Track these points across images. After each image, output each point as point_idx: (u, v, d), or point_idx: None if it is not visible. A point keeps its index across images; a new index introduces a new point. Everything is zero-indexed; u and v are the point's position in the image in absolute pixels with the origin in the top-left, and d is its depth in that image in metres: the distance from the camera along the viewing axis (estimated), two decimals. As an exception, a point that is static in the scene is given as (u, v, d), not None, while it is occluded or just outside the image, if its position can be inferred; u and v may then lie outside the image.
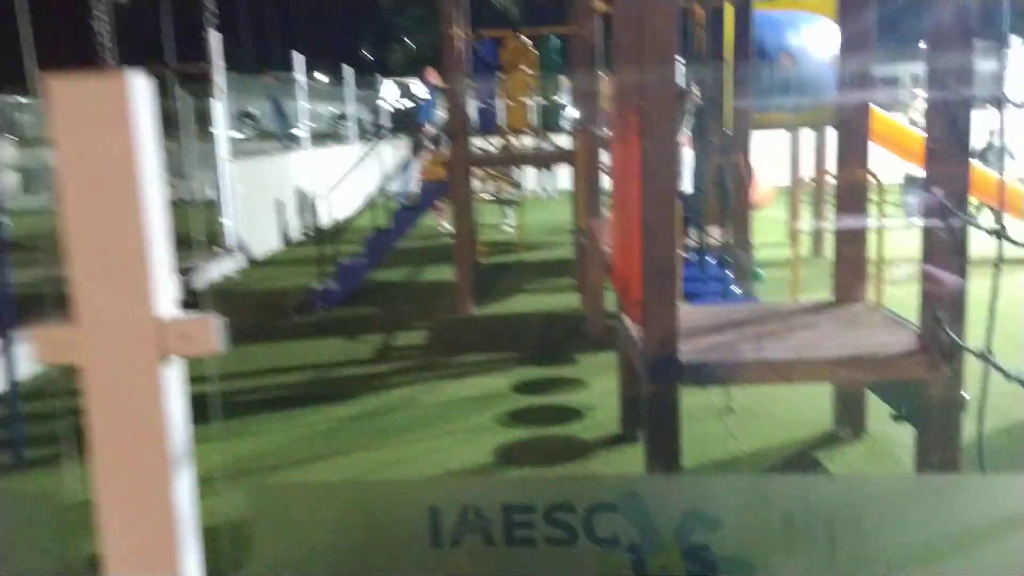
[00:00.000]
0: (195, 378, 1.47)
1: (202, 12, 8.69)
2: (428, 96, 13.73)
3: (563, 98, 8.80)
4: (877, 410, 4.83)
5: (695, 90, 6.31)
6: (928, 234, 3.56)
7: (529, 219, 12.47)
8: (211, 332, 1.33)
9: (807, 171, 10.84)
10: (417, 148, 11.84)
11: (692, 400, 4.75)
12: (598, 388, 5.69)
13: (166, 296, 1.33)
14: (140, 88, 1.26)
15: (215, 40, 10.05)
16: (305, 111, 15.19)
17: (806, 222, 10.93)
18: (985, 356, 3.16)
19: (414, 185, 13.34)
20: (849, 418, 4.79)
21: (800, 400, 5.12)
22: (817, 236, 10.26)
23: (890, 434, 4.67)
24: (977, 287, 3.54)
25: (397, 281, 9.78)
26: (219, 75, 10.17)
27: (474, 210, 9.34)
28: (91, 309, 1.30)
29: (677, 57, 3.77)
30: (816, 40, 8.22)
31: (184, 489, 1.34)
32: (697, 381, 3.74)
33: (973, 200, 9.27)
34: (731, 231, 6.58)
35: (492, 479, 4.25)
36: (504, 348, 6.85)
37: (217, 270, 10.14)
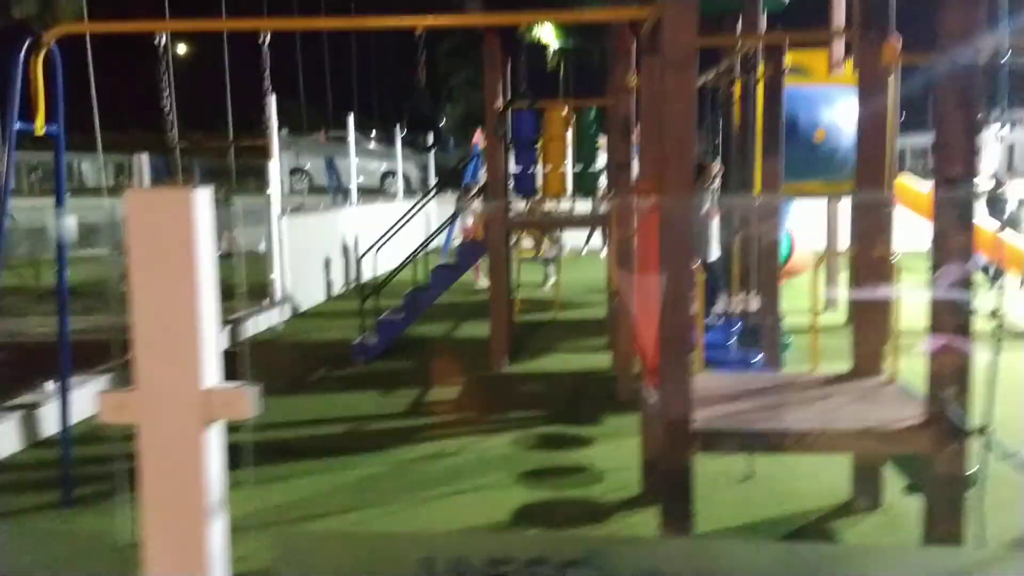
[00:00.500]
0: (235, 427, 1.71)
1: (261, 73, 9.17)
2: (476, 156, 14.17)
3: (599, 165, 9.09)
4: (896, 483, 4.92)
5: (718, 164, 6.54)
6: (935, 306, 3.70)
7: (568, 277, 12.70)
8: (248, 400, 1.57)
9: (845, 239, 10.94)
10: (460, 206, 12.23)
11: (713, 466, 4.90)
12: (622, 450, 5.83)
13: (212, 369, 1.58)
14: (202, 202, 1.53)
15: (271, 102, 10.56)
16: (356, 168, 15.72)
17: (842, 290, 11.01)
18: (985, 434, 3.27)
19: (456, 242, 13.72)
20: (866, 488, 4.87)
21: (820, 469, 5.21)
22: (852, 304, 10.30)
23: (906, 506, 4.74)
24: (984, 359, 3.66)
25: (434, 336, 10.04)
26: (274, 136, 10.66)
27: (513, 268, 9.62)
28: (149, 378, 1.56)
29: (698, 132, 4.02)
30: (850, 113, 8.41)
31: (219, 537, 1.57)
32: (709, 449, 3.89)
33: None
34: (760, 298, 6.74)
35: (483, 535, 4.41)
36: (534, 407, 7.03)
37: (265, 321, 10.52)
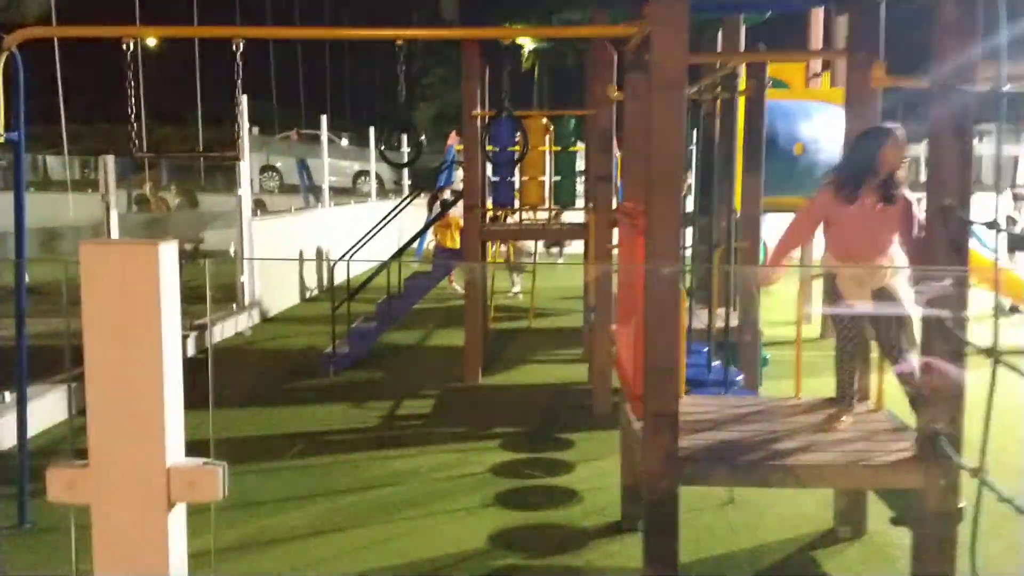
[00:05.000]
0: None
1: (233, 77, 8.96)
2: (450, 159, 14.00)
3: (578, 176, 8.98)
4: (878, 510, 4.85)
5: (688, 178, 6.49)
6: (925, 328, 3.62)
7: (542, 285, 12.57)
8: (216, 480, 1.41)
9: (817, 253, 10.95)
10: (433, 211, 12.07)
11: (694, 491, 4.79)
12: (600, 469, 5.72)
13: (175, 444, 1.42)
14: (167, 257, 1.37)
15: (243, 106, 10.32)
16: (328, 169, 15.49)
17: (816, 303, 11.01)
18: (979, 474, 3.19)
19: (430, 246, 13.54)
20: (849, 517, 4.79)
21: (802, 494, 5.14)
22: (826, 318, 10.29)
23: (890, 536, 4.67)
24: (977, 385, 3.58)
25: (407, 344, 9.87)
26: (244, 139, 10.41)
27: (488, 276, 9.49)
28: (104, 453, 1.40)
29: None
30: (828, 128, 8.39)
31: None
32: (695, 482, 3.78)
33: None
34: (739, 314, 6.65)
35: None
36: (509, 422, 6.90)
37: (232, 326, 10.29)
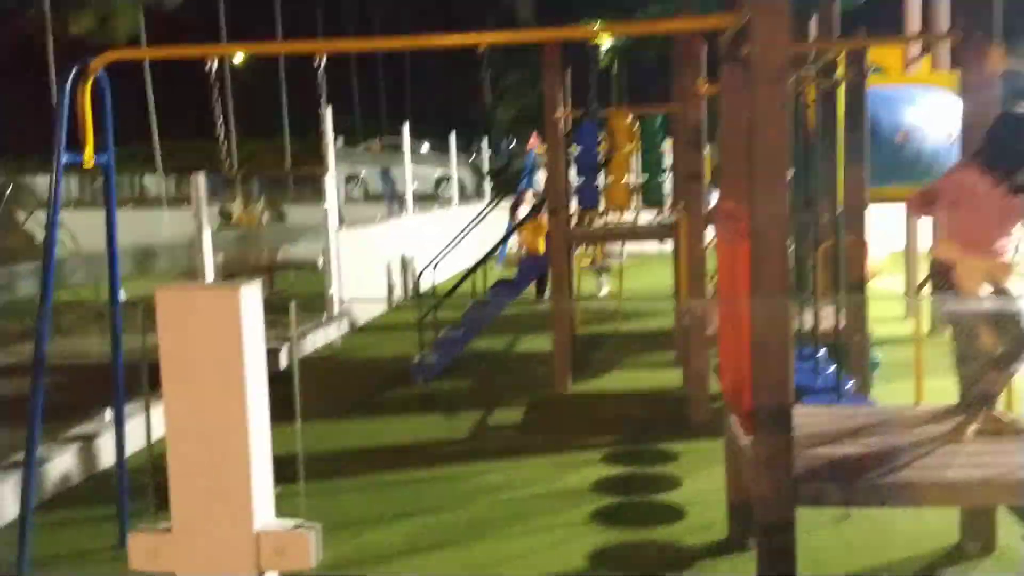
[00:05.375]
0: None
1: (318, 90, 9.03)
2: (531, 162, 13.87)
3: (665, 175, 8.70)
4: (1010, 523, 4.48)
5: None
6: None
7: (630, 285, 12.29)
8: (306, 547, 1.27)
9: (923, 244, 10.41)
10: (516, 216, 11.95)
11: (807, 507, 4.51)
12: (702, 483, 5.46)
13: (264, 508, 1.29)
14: (251, 300, 1.23)
15: (328, 120, 10.39)
16: (412, 176, 15.55)
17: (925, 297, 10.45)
18: None
19: (513, 251, 13.43)
20: (978, 531, 4.43)
21: (925, 508, 4.77)
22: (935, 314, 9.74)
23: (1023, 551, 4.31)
24: None
25: (494, 351, 9.75)
26: (330, 151, 10.50)
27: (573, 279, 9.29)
28: (188, 517, 1.27)
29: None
30: (933, 114, 7.91)
31: None
32: (813, 503, 3.53)
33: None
34: (845, 314, 6.30)
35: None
36: (603, 431, 6.69)
37: (323, 337, 10.36)
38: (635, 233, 8.83)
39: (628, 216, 8.48)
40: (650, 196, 8.36)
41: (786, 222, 3.39)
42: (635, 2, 23.91)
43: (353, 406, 7.69)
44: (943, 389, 5.15)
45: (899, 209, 10.29)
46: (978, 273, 3.94)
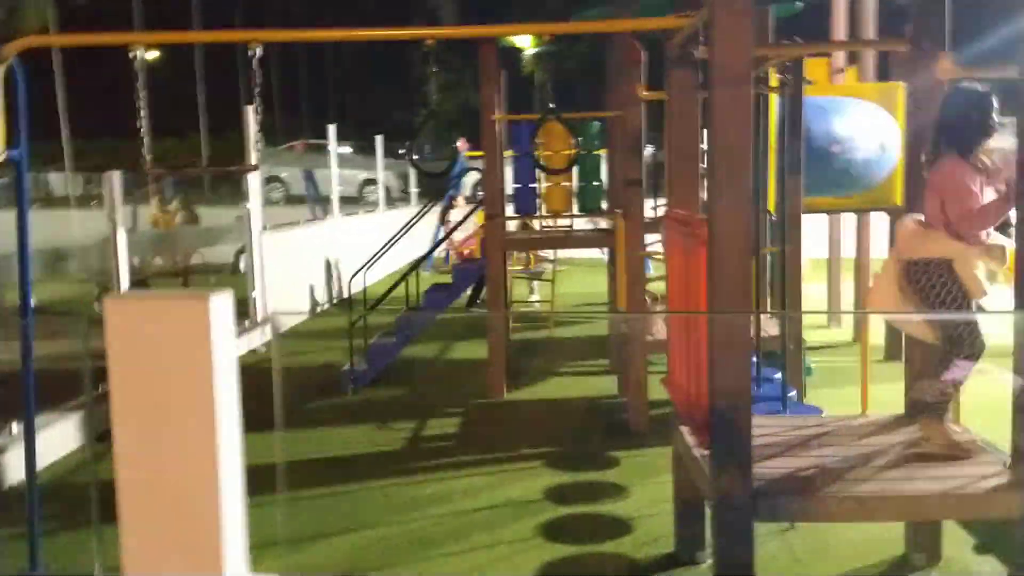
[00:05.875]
0: None
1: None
2: (459, 166, 13.68)
3: (603, 181, 8.64)
4: (954, 534, 4.51)
5: None
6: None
7: (562, 291, 12.22)
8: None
9: (847, 252, 10.65)
10: (446, 221, 11.76)
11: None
12: (646, 495, 5.38)
13: (237, 555, 1.09)
14: (220, 311, 1.04)
15: (251, 113, 10.03)
16: (337, 179, 15.21)
17: (846, 305, 10.66)
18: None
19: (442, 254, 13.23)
20: (924, 542, 4.43)
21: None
22: (861, 321, 9.95)
23: (969, 562, 4.33)
24: None
25: (426, 358, 9.53)
26: (253, 149, 10.12)
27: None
28: (143, 570, 1.06)
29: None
30: (862, 125, 8.03)
31: None
32: (770, 518, 3.45)
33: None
34: (781, 322, 6.32)
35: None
36: (542, 441, 6.55)
37: (245, 343, 9.96)
38: (572, 239, 8.74)
39: (563, 222, 8.38)
40: (587, 202, 8.29)
41: (748, 226, 3.30)
42: (558, 5, 23.95)
43: (273, 418, 7.35)
44: (876, 398, 5.20)
45: (823, 219, 10.53)
46: (978, 261, 3.79)
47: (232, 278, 15.21)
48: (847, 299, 10.74)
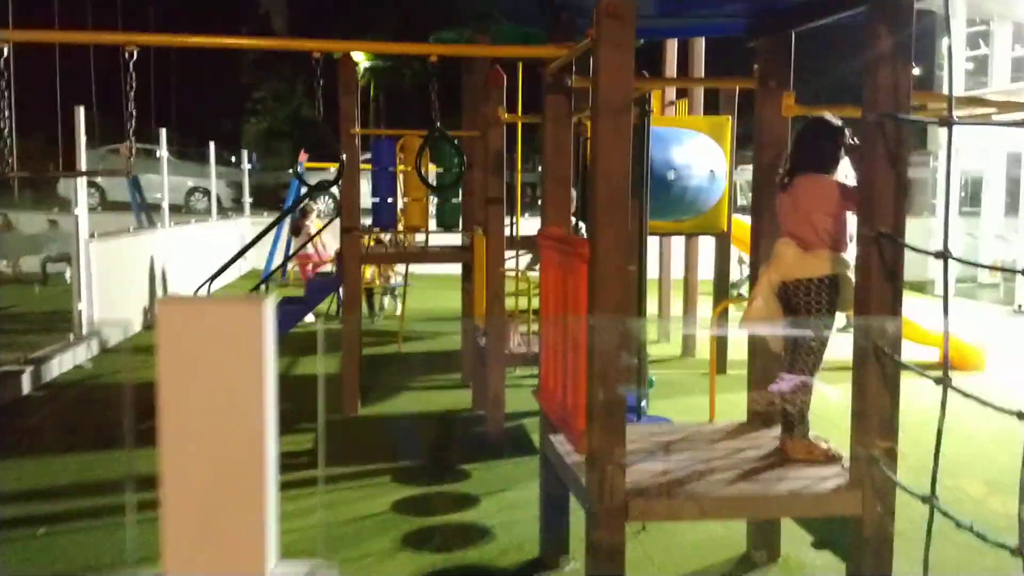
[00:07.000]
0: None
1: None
2: (299, 180, 13.43)
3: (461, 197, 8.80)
4: (791, 531, 4.93)
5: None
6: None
7: (411, 304, 12.23)
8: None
9: (676, 272, 11.36)
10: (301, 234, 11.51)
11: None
12: (507, 502, 5.54)
13: (273, 551, 1.14)
14: (270, 316, 1.09)
15: (79, 115, 9.48)
16: (168, 186, 14.53)
17: (676, 322, 11.36)
18: (931, 501, 3.24)
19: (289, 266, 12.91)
20: (763, 541, 4.83)
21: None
22: (689, 339, 10.63)
23: (805, 558, 4.76)
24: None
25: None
26: (82, 151, 9.56)
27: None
28: (187, 565, 1.09)
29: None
30: (696, 154, 8.63)
31: None
32: (641, 518, 3.68)
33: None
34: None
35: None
36: (399, 455, 6.59)
37: (70, 359, 9.33)
38: (429, 255, 8.82)
39: (420, 237, 8.45)
40: (446, 218, 8.41)
41: (628, 247, 3.53)
42: (394, 20, 24.00)
43: (111, 436, 6.96)
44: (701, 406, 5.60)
45: (655, 242, 11.15)
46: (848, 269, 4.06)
47: (47, 288, 14.19)
48: (677, 317, 11.44)
